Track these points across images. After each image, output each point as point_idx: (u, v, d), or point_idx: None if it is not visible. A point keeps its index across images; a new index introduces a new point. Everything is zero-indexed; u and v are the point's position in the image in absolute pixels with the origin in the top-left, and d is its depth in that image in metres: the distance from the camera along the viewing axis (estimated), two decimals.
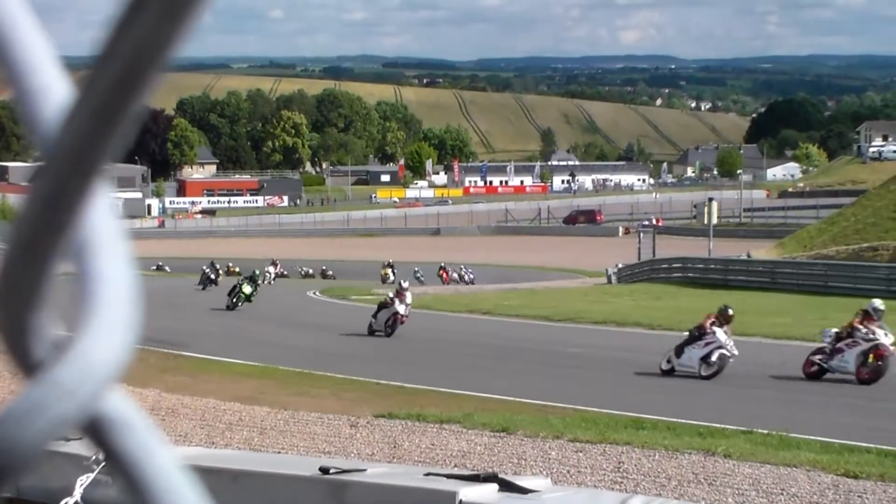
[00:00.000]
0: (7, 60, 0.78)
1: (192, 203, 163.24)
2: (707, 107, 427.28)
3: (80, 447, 4.46)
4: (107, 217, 0.79)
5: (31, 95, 0.77)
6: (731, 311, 23.88)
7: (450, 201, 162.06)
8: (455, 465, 13.70)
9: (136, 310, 0.78)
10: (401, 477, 4.55)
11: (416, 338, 31.05)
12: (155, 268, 70.58)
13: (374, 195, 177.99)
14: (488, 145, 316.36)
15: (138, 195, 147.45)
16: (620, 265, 60.19)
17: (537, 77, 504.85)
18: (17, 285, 0.76)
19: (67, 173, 0.73)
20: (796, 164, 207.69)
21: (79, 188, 0.74)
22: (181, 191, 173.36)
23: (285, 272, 64.85)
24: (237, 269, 64.49)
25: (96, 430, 0.79)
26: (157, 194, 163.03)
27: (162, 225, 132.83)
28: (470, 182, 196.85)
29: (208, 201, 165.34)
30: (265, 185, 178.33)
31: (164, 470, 0.81)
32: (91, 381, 0.75)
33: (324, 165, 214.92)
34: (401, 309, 31.36)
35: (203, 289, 52.66)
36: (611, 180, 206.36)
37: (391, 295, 32.37)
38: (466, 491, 4.11)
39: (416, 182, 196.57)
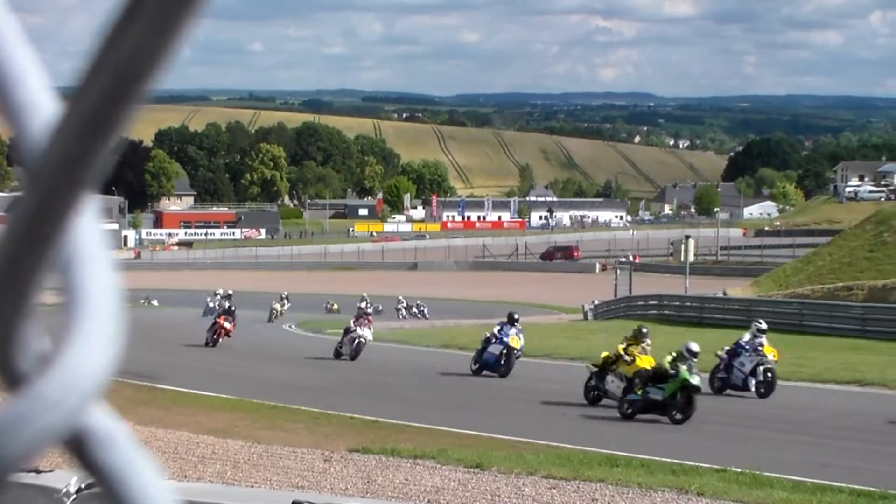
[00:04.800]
0: None
1: (169, 235, 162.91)
2: (685, 145, 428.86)
3: (51, 479, 4.47)
4: (93, 231, 0.79)
5: (18, 109, 0.77)
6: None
7: (427, 236, 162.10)
8: (429, 501, 13.70)
9: (120, 323, 0.78)
10: None
11: (390, 372, 31.03)
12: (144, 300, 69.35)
13: (351, 229, 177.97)
14: (467, 180, 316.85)
15: (115, 226, 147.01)
16: (597, 301, 60.26)
17: (516, 113, 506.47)
18: (2, 297, 0.76)
19: (55, 186, 0.73)
20: (773, 203, 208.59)
21: (66, 201, 0.74)
22: (158, 222, 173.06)
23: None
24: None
25: (80, 443, 0.79)
26: (134, 226, 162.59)
27: (138, 256, 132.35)
28: (448, 217, 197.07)
29: (185, 233, 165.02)
30: (243, 217, 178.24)
31: (147, 485, 0.80)
32: (75, 394, 0.75)
33: (302, 198, 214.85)
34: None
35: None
36: (588, 217, 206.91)
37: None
38: None
39: (393, 216, 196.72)
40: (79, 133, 0.72)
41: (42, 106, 0.78)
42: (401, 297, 67.55)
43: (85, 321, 0.76)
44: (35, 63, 0.79)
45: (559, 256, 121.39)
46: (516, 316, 30.99)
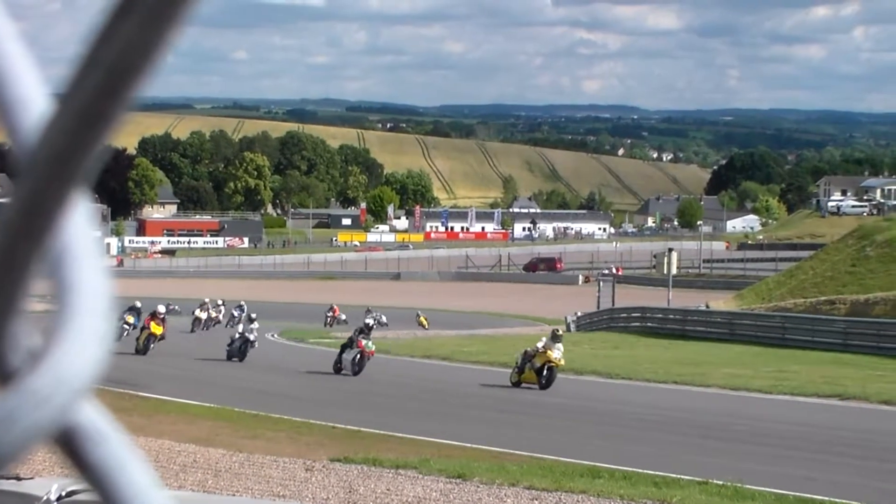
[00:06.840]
0: None
1: (152, 243, 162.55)
2: (668, 157, 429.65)
3: (32, 487, 4.42)
4: (84, 227, 0.79)
5: (10, 105, 0.77)
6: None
7: (410, 246, 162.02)
8: None
9: (110, 320, 0.78)
10: None
11: (373, 382, 30.98)
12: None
13: (334, 238, 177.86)
14: (450, 191, 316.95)
15: (97, 234, 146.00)
16: (580, 313, 60.33)
17: (500, 124, 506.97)
18: None
19: (46, 182, 0.73)
20: (756, 217, 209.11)
21: (57, 198, 0.73)
22: (141, 230, 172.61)
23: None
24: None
25: (69, 440, 0.79)
26: (117, 233, 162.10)
27: (121, 264, 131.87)
28: (431, 227, 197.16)
29: (168, 241, 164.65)
30: (226, 226, 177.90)
31: (137, 482, 0.80)
32: (65, 390, 0.74)
33: (285, 207, 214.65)
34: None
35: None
36: (571, 228, 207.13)
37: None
38: None
39: (377, 226, 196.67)
40: (71, 130, 0.72)
41: (34, 102, 0.78)
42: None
43: (75, 318, 0.76)
44: (28, 60, 0.79)
45: (542, 268, 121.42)
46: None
